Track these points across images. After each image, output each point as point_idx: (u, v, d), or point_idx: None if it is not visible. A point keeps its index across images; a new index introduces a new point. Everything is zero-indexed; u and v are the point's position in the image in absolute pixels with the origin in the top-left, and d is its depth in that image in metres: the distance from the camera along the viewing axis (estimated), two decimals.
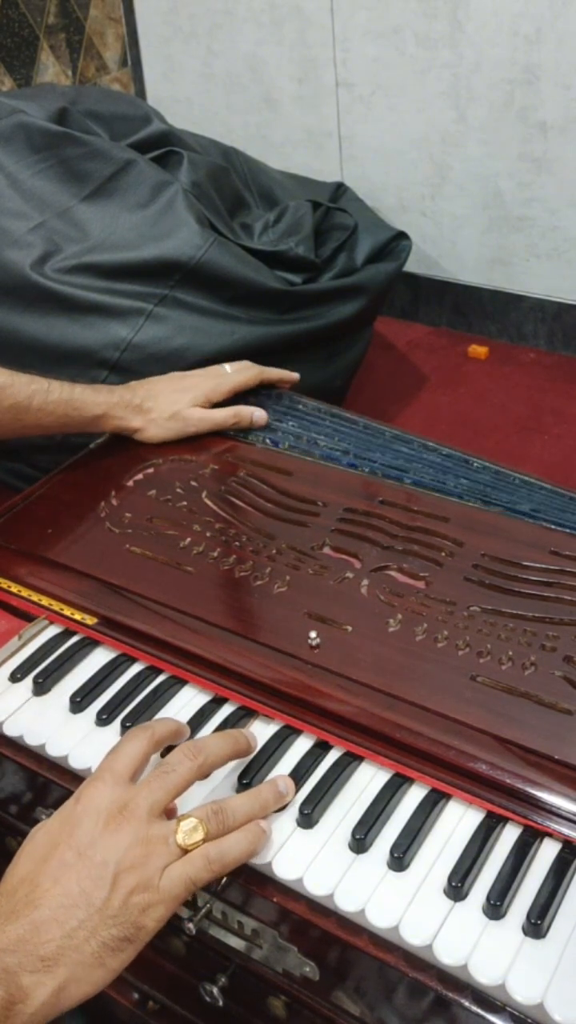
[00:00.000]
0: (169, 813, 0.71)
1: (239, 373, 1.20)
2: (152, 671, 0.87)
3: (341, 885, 0.69)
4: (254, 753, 0.77)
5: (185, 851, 0.68)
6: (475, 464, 1.06)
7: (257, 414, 1.17)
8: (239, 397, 1.20)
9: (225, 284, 1.47)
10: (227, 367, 1.21)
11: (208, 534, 0.99)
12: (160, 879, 0.66)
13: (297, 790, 0.75)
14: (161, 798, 0.69)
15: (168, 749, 0.76)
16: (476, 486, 1.02)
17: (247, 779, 0.76)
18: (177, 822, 0.69)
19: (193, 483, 1.07)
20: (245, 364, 1.23)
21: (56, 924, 0.63)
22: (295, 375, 1.24)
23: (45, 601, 0.94)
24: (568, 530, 0.95)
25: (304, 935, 0.73)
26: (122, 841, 0.66)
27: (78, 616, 0.92)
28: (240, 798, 0.72)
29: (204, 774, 0.73)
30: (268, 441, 1.14)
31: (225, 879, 0.74)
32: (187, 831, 0.68)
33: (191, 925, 0.77)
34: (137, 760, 0.72)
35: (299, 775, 0.76)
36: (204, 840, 0.68)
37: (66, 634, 0.92)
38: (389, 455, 1.09)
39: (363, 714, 0.79)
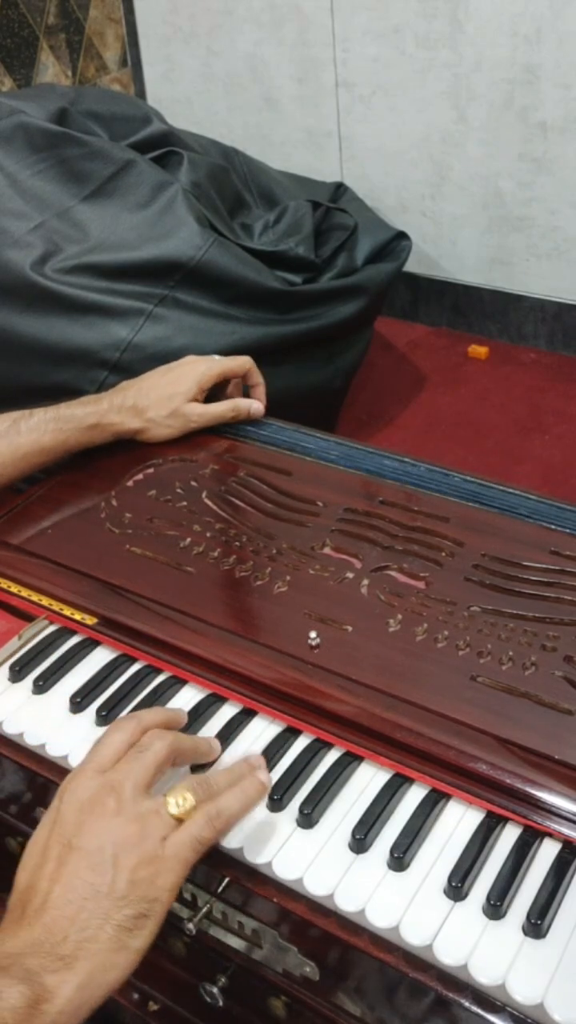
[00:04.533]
0: None
1: (228, 359, 1.19)
2: (152, 671, 0.87)
3: (341, 885, 0.69)
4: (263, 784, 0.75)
5: (178, 821, 0.68)
6: (456, 478, 1.04)
7: (255, 406, 1.16)
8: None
9: (225, 284, 1.47)
10: (216, 358, 1.19)
11: (208, 534, 0.99)
12: (164, 849, 0.66)
13: (297, 790, 0.75)
14: (142, 775, 0.70)
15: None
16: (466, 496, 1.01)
17: None
18: (164, 796, 0.69)
19: (193, 483, 1.07)
20: (234, 356, 1.22)
21: (67, 921, 0.63)
22: (263, 402, 1.20)
23: (45, 601, 0.94)
24: (568, 530, 0.95)
25: (304, 935, 0.73)
26: (113, 823, 0.66)
27: (78, 616, 0.92)
28: (219, 772, 0.74)
29: (177, 751, 0.73)
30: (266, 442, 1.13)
31: (226, 880, 0.74)
32: (177, 800, 0.69)
33: (191, 925, 0.77)
34: (120, 751, 0.72)
35: (299, 775, 0.76)
36: (193, 807, 0.69)
37: (66, 634, 0.92)
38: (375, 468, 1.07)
39: (363, 714, 0.79)
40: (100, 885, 0.64)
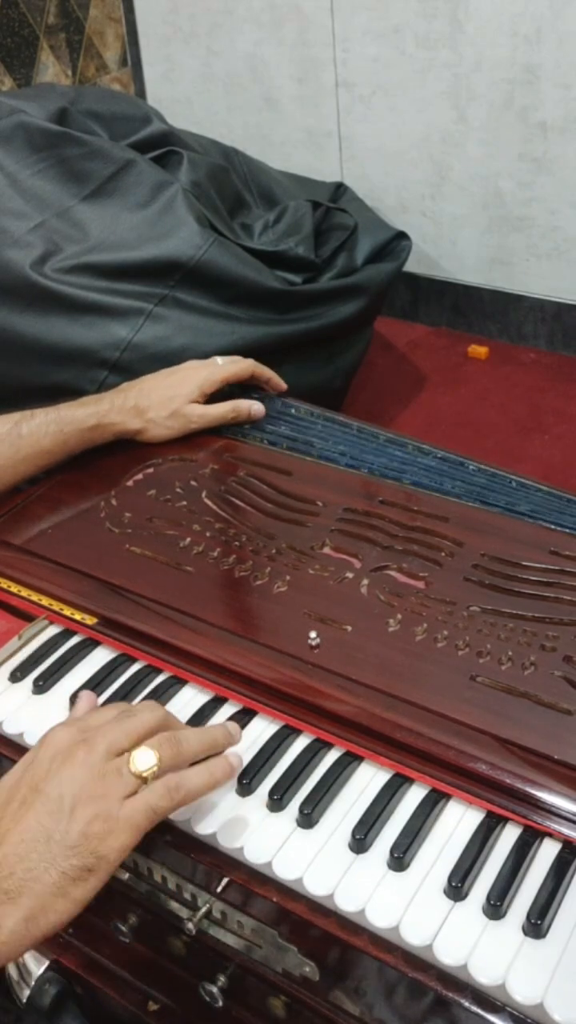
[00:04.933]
0: None
1: (231, 363, 1.19)
2: (152, 671, 0.87)
3: (341, 885, 0.69)
4: (234, 744, 0.77)
5: (142, 779, 0.69)
6: (471, 467, 1.06)
7: (255, 408, 1.17)
8: (235, 393, 1.19)
9: (225, 284, 1.47)
10: (219, 360, 1.20)
11: (208, 534, 0.99)
12: (121, 809, 0.67)
13: (297, 790, 0.75)
14: (120, 738, 0.70)
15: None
16: (472, 489, 1.02)
17: (246, 779, 0.76)
18: (130, 753, 0.70)
19: (193, 483, 1.07)
20: (237, 357, 1.23)
21: (16, 858, 0.65)
22: (284, 384, 1.23)
23: (45, 601, 0.94)
24: (568, 530, 0.95)
25: (304, 935, 0.73)
26: (78, 774, 0.68)
27: (78, 616, 0.92)
28: (191, 730, 0.75)
29: (165, 727, 0.73)
30: (265, 443, 1.14)
31: (226, 879, 0.74)
32: (141, 759, 0.69)
33: (191, 925, 0.77)
34: (108, 717, 0.73)
35: (299, 775, 0.76)
36: (158, 766, 0.69)
37: (66, 634, 0.92)
38: (384, 459, 1.08)
39: (363, 714, 0.79)
40: (53, 831, 0.66)
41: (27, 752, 0.72)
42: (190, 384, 1.14)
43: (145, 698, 0.84)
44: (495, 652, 0.83)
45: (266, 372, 1.21)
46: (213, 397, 1.16)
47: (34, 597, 0.95)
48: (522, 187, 1.87)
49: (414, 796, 0.74)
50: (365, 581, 0.92)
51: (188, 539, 0.99)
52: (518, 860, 0.69)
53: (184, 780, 0.71)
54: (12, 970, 0.99)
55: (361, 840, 0.71)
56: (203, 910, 0.77)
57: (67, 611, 0.93)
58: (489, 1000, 0.64)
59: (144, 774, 0.69)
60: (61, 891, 0.65)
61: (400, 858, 0.70)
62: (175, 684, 0.86)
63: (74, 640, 0.91)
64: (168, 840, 0.76)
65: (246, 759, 0.78)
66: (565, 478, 1.63)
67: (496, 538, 0.94)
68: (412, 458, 1.08)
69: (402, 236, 1.85)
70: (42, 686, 0.87)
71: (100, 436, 1.10)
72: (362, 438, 1.13)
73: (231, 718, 0.82)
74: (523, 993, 0.63)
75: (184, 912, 0.79)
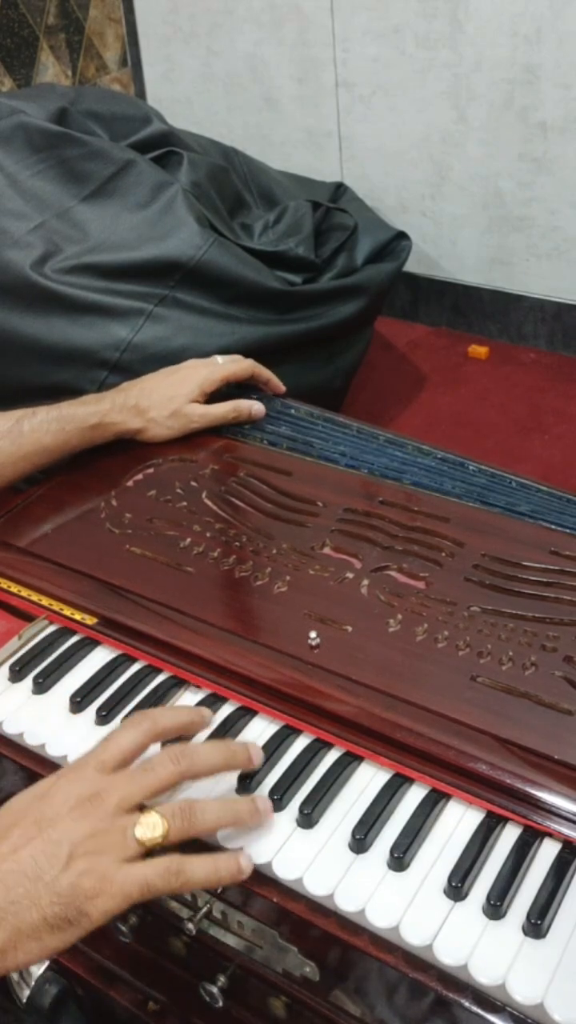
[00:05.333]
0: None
1: (231, 362, 1.19)
2: (152, 671, 0.87)
3: (341, 885, 0.69)
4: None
5: (142, 846, 0.67)
6: (471, 467, 1.06)
7: (256, 408, 1.17)
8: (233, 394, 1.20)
9: (225, 284, 1.47)
10: (219, 359, 1.20)
11: (208, 534, 0.99)
12: (116, 872, 0.66)
13: (297, 790, 0.75)
14: (134, 794, 0.69)
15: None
16: (472, 489, 1.02)
17: (248, 779, 0.76)
18: (139, 815, 0.68)
19: (193, 483, 1.07)
20: (237, 356, 1.23)
21: (3, 887, 0.64)
22: (282, 387, 1.23)
23: (45, 601, 0.94)
24: (568, 530, 0.95)
25: (304, 935, 0.73)
26: (83, 827, 0.67)
27: (78, 616, 0.92)
28: (213, 803, 0.71)
29: (188, 775, 0.72)
30: (265, 443, 1.14)
31: None
32: (147, 825, 0.67)
33: (191, 925, 0.77)
34: (128, 752, 0.71)
35: (299, 775, 0.76)
36: (164, 838, 0.67)
37: (66, 634, 0.92)
38: (384, 459, 1.08)
39: (363, 714, 0.79)
40: (46, 874, 0.65)
41: (43, 779, 0.70)
42: (190, 383, 1.14)
43: (145, 698, 0.84)
44: (495, 652, 0.83)
45: (265, 373, 1.21)
46: (213, 396, 1.16)
47: (34, 597, 0.95)
48: (522, 187, 1.87)
49: (414, 796, 0.74)
50: (365, 581, 0.92)
51: (188, 539, 0.99)
52: (518, 860, 0.69)
53: (186, 870, 0.68)
54: None
55: (361, 840, 0.71)
56: (203, 910, 0.77)
57: (67, 611, 0.93)
58: (489, 1000, 0.64)
59: (146, 843, 0.67)
60: (36, 934, 0.64)
61: (400, 858, 0.70)
62: (175, 684, 0.86)
63: (74, 640, 0.91)
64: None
65: None
66: (565, 478, 1.63)
67: (496, 538, 0.94)
68: (412, 459, 1.08)
69: (402, 236, 1.85)
70: (42, 685, 0.87)
71: (101, 435, 1.10)
72: (362, 438, 1.13)
73: (230, 718, 0.82)
74: (523, 993, 0.63)
75: (184, 912, 0.79)
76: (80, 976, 0.95)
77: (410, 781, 0.75)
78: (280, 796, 0.75)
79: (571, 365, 1.95)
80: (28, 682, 0.88)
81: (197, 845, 0.74)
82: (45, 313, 1.41)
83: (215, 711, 0.83)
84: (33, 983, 0.97)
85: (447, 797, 0.74)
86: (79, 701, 0.84)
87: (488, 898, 0.67)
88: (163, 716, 0.75)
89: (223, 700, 0.84)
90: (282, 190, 1.84)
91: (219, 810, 0.71)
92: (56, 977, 0.97)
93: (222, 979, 0.81)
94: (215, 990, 0.81)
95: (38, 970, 0.97)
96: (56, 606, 0.93)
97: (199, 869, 0.68)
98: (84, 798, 0.68)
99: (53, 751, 0.82)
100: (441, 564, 0.92)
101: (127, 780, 0.69)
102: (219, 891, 0.75)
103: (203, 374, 1.15)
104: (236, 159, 1.85)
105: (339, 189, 2.00)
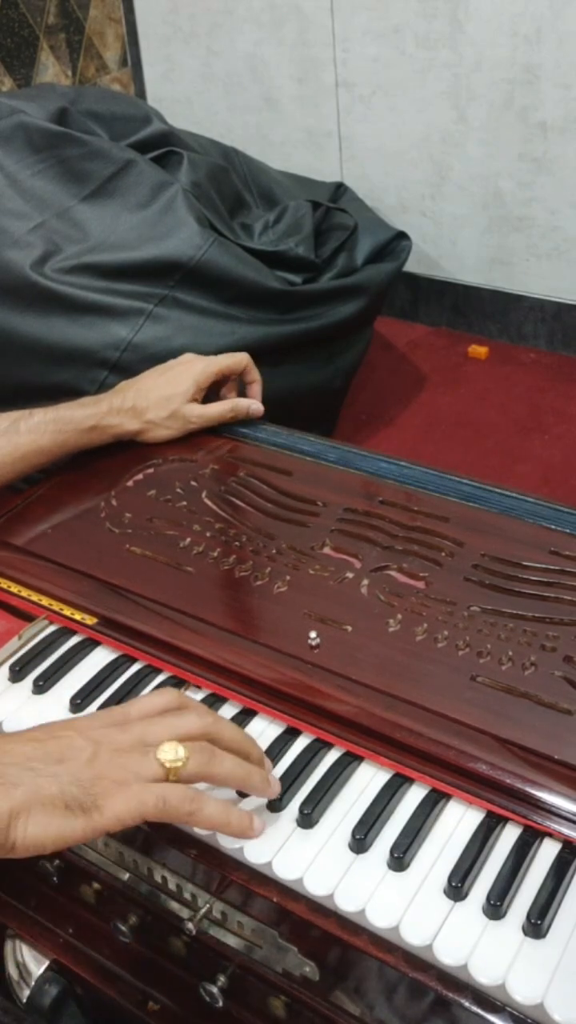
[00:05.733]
0: None
1: (226, 357, 1.18)
2: (152, 671, 0.87)
3: (341, 885, 0.69)
4: (269, 796, 0.75)
5: (163, 767, 0.69)
6: (453, 481, 1.04)
7: (254, 407, 1.16)
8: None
9: (225, 284, 1.47)
10: (213, 357, 1.19)
11: (208, 534, 0.99)
12: (134, 781, 0.67)
13: (297, 790, 0.75)
14: (159, 731, 0.71)
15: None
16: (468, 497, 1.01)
17: None
18: (164, 741, 0.70)
19: (193, 483, 1.07)
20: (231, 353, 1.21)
21: (24, 757, 0.66)
22: (261, 409, 1.19)
23: (45, 601, 0.94)
24: (568, 530, 0.95)
25: (304, 935, 0.73)
26: (110, 737, 0.69)
27: (78, 616, 0.92)
28: (231, 756, 0.73)
29: (208, 737, 0.72)
30: (265, 443, 1.13)
31: (226, 880, 0.74)
32: (169, 749, 0.69)
33: (191, 925, 0.77)
34: (156, 705, 0.74)
35: (299, 775, 0.76)
36: (182, 765, 0.69)
37: (66, 634, 0.92)
38: (381, 463, 1.07)
39: (363, 714, 0.79)
40: (70, 761, 0.67)
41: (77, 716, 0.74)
42: (186, 381, 1.13)
43: None
44: (495, 652, 0.83)
45: (254, 375, 1.19)
46: (210, 395, 1.16)
47: (34, 597, 0.95)
48: (522, 187, 1.87)
49: (414, 796, 0.74)
50: (365, 581, 0.92)
51: (188, 539, 0.99)
52: (518, 860, 0.69)
53: (201, 799, 0.69)
54: (12, 970, 0.99)
55: (361, 840, 0.71)
56: (203, 910, 0.77)
57: (67, 611, 0.93)
58: (489, 1000, 0.64)
59: (167, 765, 0.69)
60: (52, 807, 0.65)
61: (400, 858, 0.69)
62: (175, 684, 0.86)
63: (74, 640, 0.91)
64: (168, 840, 0.76)
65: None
66: (565, 478, 1.63)
67: (496, 538, 0.94)
68: (402, 471, 1.07)
69: (402, 236, 1.85)
70: (42, 686, 0.87)
71: (99, 437, 1.10)
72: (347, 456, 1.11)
73: (232, 719, 0.81)
74: (523, 993, 0.63)
75: (184, 912, 0.79)
76: (80, 976, 0.95)
77: (410, 781, 0.75)
78: (280, 796, 0.74)
79: (571, 365, 1.95)
80: (28, 683, 0.88)
81: (193, 844, 0.74)
82: (45, 313, 1.41)
83: (215, 711, 0.83)
84: (33, 983, 0.97)
85: (447, 797, 0.74)
86: (79, 702, 0.84)
87: (488, 898, 0.67)
88: (228, 724, 0.76)
89: (223, 700, 0.84)
90: (282, 190, 1.84)
91: (236, 764, 0.73)
92: (56, 977, 0.97)
93: (222, 979, 0.81)
94: (215, 990, 0.81)
95: (38, 970, 0.97)
96: (56, 606, 0.93)
97: (213, 807, 0.70)
98: (113, 722, 0.71)
99: None
100: (441, 564, 0.92)
101: (158, 718, 0.72)
102: (219, 891, 0.75)
103: (197, 369, 1.14)
104: (236, 159, 1.85)
105: (339, 189, 2.00)
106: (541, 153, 1.82)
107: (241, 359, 1.18)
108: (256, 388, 1.19)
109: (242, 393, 1.19)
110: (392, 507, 1.00)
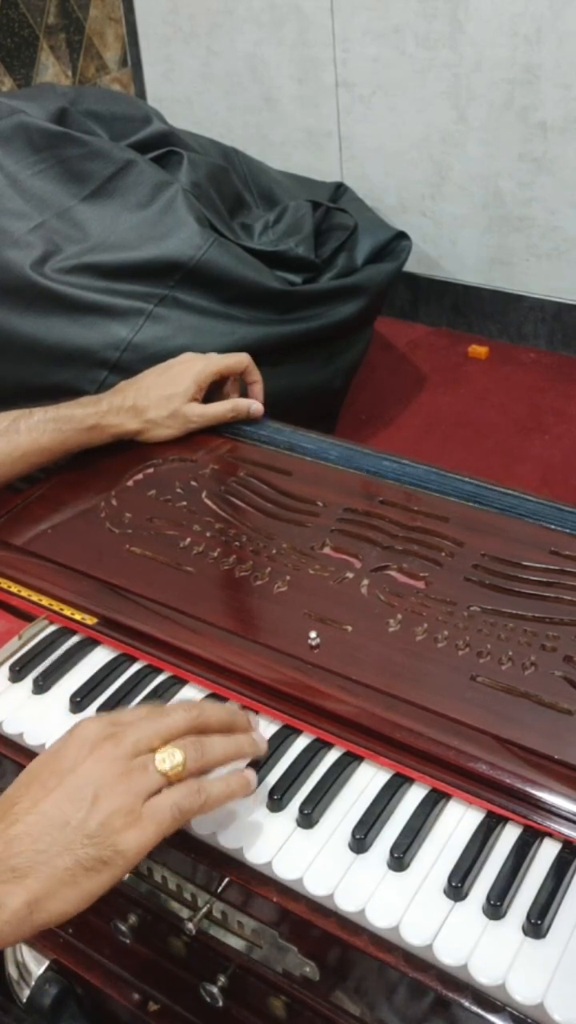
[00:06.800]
0: None
1: (226, 356, 1.18)
2: (152, 671, 0.87)
3: (341, 885, 0.69)
4: (260, 754, 0.77)
5: (165, 777, 0.68)
6: (454, 480, 1.04)
7: (254, 406, 1.16)
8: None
9: (225, 284, 1.47)
10: (213, 355, 1.19)
11: (208, 534, 0.99)
12: (143, 806, 0.67)
13: (297, 790, 0.75)
14: (149, 736, 0.70)
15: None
16: (469, 496, 1.01)
17: None
18: (156, 752, 0.69)
19: (193, 483, 1.07)
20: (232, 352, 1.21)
21: (29, 839, 0.64)
22: (261, 410, 1.19)
23: (45, 601, 0.94)
24: (568, 530, 0.95)
25: (304, 935, 0.73)
26: (104, 767, 0.67)
27: (78, 616, 0.92)
28: (218, 737, 0.73)
29: (197, 730, 0.73)
30: (265, 443, 1.13)
31: (226, 880, 0.74)
32: (167, 755, 0.69)
33: (191, 925, 0.77)
34: (136, 715, 0.73)
35: (299, 775, 0.76)
36: (183, 766, 0.69)
37: (66, 634, 0.92)
38: (383, 460, 1.07)
39: (363, 714, 0.79)
40: (72, 817, 0.65)
41: (54, 741, 0.72)
42: (186, 380, 1.13)
43: (145, 698, 0.84)
44: (495, 652, 0.83)
45: (255, 375, 1.19)
46: (210, 393, 1.16)
47: (34, 597, 0.95)
48: (522, 187, 1.87)
49: (414, 796, 0.74)
50: (365, 581, 0.92)
51: (188, 539, 0.99)
52: (518, 860, 0.69)
53: (204, 785, 0.70)
54: (12, 970, 0.99)
55: (361, 840, 0.71)
56: (203, 910, 0.77)
57: (67, 611, 0.93)
58: (489, 1000, 0.64)
59: (169, 773, 0.69)
60: (72, 879, 0.64)
61: (400, 858, 0.70)
62: (175, 684, 0.86)
63: (74, 640, 0.91)
64: (168, 840, 0.76)
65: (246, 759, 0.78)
66: (565, 478, 1.63)
67: (496, 538, 0.94)
68: (403, 468, 1.07)
69: (402, 236, 1.85)
70: (42, 686, 0.87)
71: (99, 437, 1.10)
72: (349, 454, 1.11)
73: None
74: (523, 993, 0.63)
75: (184, 912, 0.79)
76: (80, 976, 0.95)
77: (410, 781, 0.75)
78: (280, 796, 0.75)
79: (571, 365, 1.95)
80: (28, 682, 0.88)
81: (193, 844, 0.74)
82: (45, 313, 1.41)
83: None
84: (33, 983, 0.97)
85: (447, 797, 0.74)
86: (79, 701, 0.84)
87: (488, 898, 0.67)
88: (211, 708, 0.76)
89: (223, 700, 0.84)
90: (282, 190, 1.84)
91: (225, 743, 0.73)
92: (56, 977, 0.97)
93: (222, 979, 0.81)
94: (215, 990, 0.81)
95: (38, 970, 0.97)
96: (56, 606, 0.93)
97: (216, 787, 0.71)
98: (100, 741, 0.69)
99: None
100: (441, 564, 0.92)
101: (141, 723, 0.71)
102: (219, 891, 0.75)
103: (197, 368, 1.14)
104: (236, 159, 1.85)
105: (339, 189, 2.00)
106: (541, 153, 1.82)
107: (241, 359, 1.18)
108: (257, 388, 1.19)
109: (243, 393, 1.19)
110: (392, 507, 1.00)
